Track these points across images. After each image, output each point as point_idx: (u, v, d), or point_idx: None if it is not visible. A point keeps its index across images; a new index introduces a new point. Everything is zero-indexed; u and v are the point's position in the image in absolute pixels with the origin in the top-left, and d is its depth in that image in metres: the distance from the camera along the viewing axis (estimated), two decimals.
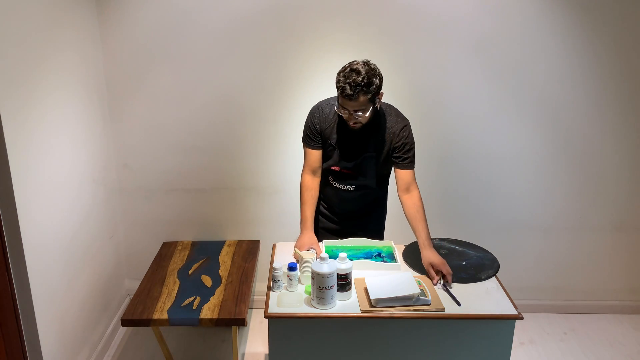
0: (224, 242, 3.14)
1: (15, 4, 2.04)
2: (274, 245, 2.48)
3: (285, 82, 2.90)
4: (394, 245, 2.41)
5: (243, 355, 2.90)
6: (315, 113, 2.34)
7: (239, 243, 3.12)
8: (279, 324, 1.99)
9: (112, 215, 3.05)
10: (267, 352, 2.86)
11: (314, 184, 2.40)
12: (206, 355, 2.91)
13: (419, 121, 2.99)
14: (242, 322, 2.37)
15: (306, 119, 2.38)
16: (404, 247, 2.43)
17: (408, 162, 2.31)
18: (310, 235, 2.35)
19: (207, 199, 3.15)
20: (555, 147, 3.03)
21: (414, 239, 2.52)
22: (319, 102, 2.39)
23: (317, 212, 2.54)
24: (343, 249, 2.37)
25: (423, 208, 2.32)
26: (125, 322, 2.39)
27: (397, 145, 2.28)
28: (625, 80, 2.91)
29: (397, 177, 2.35)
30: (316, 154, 2.37)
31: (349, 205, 2.48)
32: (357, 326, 1.99)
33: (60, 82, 2.40)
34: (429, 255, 2.17)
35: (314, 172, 2.40)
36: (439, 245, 2.45)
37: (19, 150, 2.05)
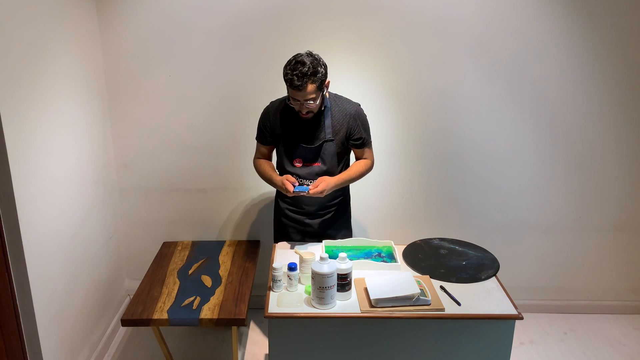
0: (224, 242, 3.14)
1: (15, 4, 2.04)
2: (274, 245, 2.49)
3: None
4: (394, 245, 2.41)
5: (243, 355, 2.90)
6: (268, 113, 2.47)
7: (239, 243, 3.12)
8: (279, 324, 2.00)
9: (112, 215, 3.05)
10: (267, 352, 2.86)
11: (265, 159, 2.56)
12: (206, 355, 2.91)
13: (418, 120, 3.00)
14: (242, 322, 2.37)
15: (259, 119, 2.50)
16: (404, 247, 2.43)
17: (364, 141, 2.46)
18: (284, 175, 2.41)
19: (207, 199, 3.15)
20: (555, 147, 3.03)
21: (414, 239, 2.53)
22: (270, 102, 2.51)
23: (284, 215, 2.60)
24: (343, 249, 2.37)
25: (359, 168, 2.46)
26: (125, 322, 2.39)
27: (353, 126, 2.41)
28: (625, 79, 2.91)
29: (355, 156, 2.54)
30: (268, 148, 2.55)
31: (318, 200, 2.51)
32: (357, 326, 1.99)
33: (60, 82, 2.40)
34: (328, 177, 2.35)
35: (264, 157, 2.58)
36: (439, 245, 2.45)
37: (19, 150, 2.05)
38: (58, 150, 2.39)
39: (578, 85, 2.92)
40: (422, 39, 2.85)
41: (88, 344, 2.69)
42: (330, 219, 2.57)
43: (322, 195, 2.34)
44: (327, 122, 2.39)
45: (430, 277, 2.18)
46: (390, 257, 2.34)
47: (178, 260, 2.91)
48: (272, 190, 3.12)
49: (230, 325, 2.40)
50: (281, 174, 2.50)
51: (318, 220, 2.55)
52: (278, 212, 2.65)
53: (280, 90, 2.92)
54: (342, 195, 2.59)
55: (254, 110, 2.96)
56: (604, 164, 3.06)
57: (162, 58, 2.88)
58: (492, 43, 2.85)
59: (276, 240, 2.65)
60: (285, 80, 2.22)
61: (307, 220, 2.55)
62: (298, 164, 2.44)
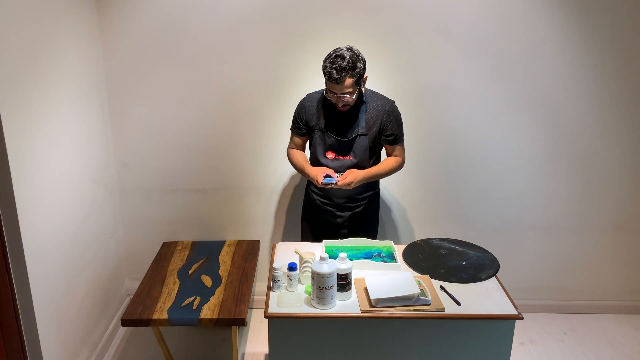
0: (224, 242, 3.14)
1: (15, 5, 2.04)
2: (274, 246, 2.48)
3: (285, 82, 2.91)
4: (394, 245, 2.41)
5: (243, 355, 2.90)
6: (303, 104, 2.53)
7: (239, 243, 3.12)
8: (279, 324, 2.00)
9: (112, 215, 3.05)
10: (267, 352, 2.86)
11: (298, 149, 2.63)
12: (206, 355, 2.91)
13: (420, 121, 3.00)
14: (242, 322, 2.37)
15: (295, 110, 2.57)
16: (404, 247, 2.44)
17: (396, 137, 2.50)
18: (318, 167, 2.47)
19: (207, 199, 3.15)
20: (556, 147, 3.03)
21: (414, 239, 2.53)
22: (307, 94, 2.56)
23: (314, 205, 2.64)
24: (343, 249, 2.37)
25: (389, 164, 2.52)
26: (125, 322, 2.39)
27: (386, 122, 2.46)
28: (625, 80, 2.91)
29: (387, 152, 2.58)
30: (302, 139, 2.61)
31: (346, 192, 2.54)
32: (357, 326, 1.99)
33: (60, 82, 2.40)
34: (357, 170, 2.42)
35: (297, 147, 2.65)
36: (439, 245, 2.45)
37: (19, 150, 2.05)
38: (58, 150, 2.39)
39: (578, 85, 2.92)
40: (423, 39, 2.84)
41: (88, 344, 2.69)
42: (361, 212, 2.61)
43: (350, 188, 2.38)
44: (362, 117, 2.44)
45: (430, 277, 2.18)
46: (390, 257, 2.34)
47: (178, 260, 2.91)
48: (272, 190, 3.13)
49: (230, 325, 2.40)
50: (313, 165, 2.54)
51: (348, 213, 2.59)
52: (308, 202, 2.69)
53: (280, 90, 2.93)
54: (372, 190, 2.62)
55: (254, 110, 2.97)
56: (604, 164, 3.06)
57: (162, 58, 2.88)
58: (493, 44, 2.85)
59: (303, 232, 2.71)
60: (324, 73, 2.29)
61: (338, 212, 2.60)
62: (330, 156, 2.49)
